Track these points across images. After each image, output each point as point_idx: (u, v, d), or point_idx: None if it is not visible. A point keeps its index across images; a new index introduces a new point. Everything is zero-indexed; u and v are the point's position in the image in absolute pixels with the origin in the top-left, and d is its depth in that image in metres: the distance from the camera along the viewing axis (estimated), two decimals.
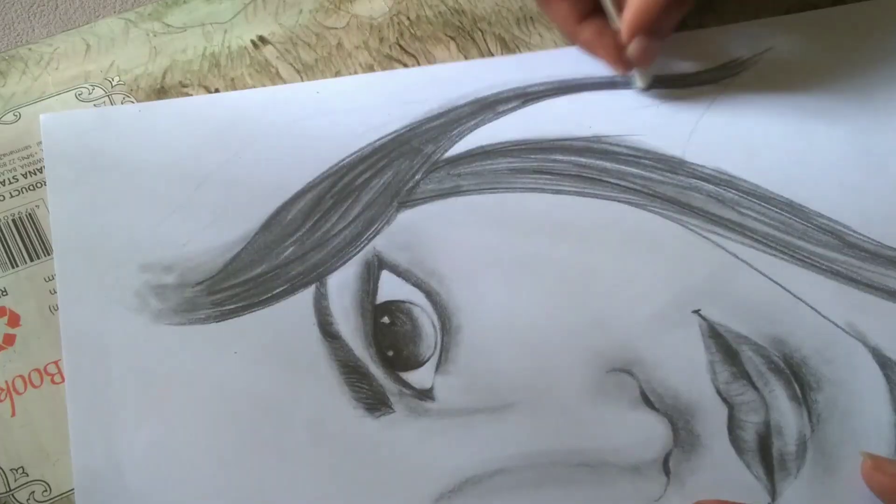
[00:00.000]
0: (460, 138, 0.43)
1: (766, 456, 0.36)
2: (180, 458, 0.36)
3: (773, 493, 0.35)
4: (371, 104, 0.44)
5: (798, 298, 0.39)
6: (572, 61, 0.45)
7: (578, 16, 0.43)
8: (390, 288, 0.40)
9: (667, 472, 0.36)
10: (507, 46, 0.46)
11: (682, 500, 0.35)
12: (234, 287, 0.40)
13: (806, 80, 0.44)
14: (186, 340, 0.38)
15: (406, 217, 0.41)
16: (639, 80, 0.44)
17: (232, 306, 0.39)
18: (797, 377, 0.37)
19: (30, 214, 0.41)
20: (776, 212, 0.41)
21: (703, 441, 0.36)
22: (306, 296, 0.39)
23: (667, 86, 0.44)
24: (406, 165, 0.42)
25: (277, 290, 0.40)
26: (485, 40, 0.46)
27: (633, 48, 0.42)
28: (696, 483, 0.35)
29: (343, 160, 0.42)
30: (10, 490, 0.36)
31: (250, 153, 0.43)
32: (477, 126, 0.43)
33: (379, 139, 0.43)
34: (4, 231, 0.41)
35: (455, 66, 0.45)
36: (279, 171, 0.42)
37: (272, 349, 0.38)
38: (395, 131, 0.43)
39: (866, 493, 0.35)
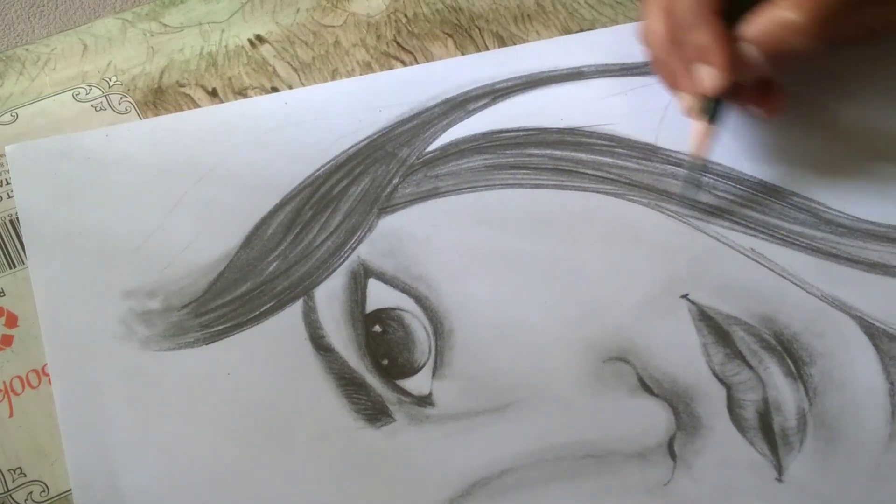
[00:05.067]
0: (434, 139, 0.43)
1: (769, 432, 0.37)
2: (182, 484, 0.36)
3: (780, 468, 0.36)
4: (341, 111, 0.44)
5: (782, 276, 0.40)
6: (537, 55, 0.45)
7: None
8: (379, 296, 0.39)
9: (673, 455, 0.36)
10: (505, 44, 0.46)
11: (690, 483, 0.36)
12: (221, 307, 0.39)
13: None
14: (177, 365, 0.37)
15: (387, 223, 0.41)
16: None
17: (220, 327, 0.38)
18: (790, 353, 0.38)
19: None
20: (752, 193, 0.42)
21: (705, 422, 0.37)
22: (295, 310, 0.39)
23: (632, 73, 0.45)
24: (382, 171, 0.42)
25: (265, 307, 0.39)
26: (482, 38, 0.46)
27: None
28: (702, 464, 0.36)
29: (318, 170, 0.42)
30: (8, 490, 0.36)
31: (223, 170, 0.42)
32: (449, 126, 0.43)
33: (352, 146, 0.43)
34: (2, 231, 0.41)
35: (422, 67, 0.45)
36: (254, 186, 0.41)
37: (266, 367, 0.38)
38: (367, 137, 0.43)
39: (870, 463, 0.36)
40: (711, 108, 0.40)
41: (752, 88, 0.41)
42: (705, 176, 0.42)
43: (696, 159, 0.41)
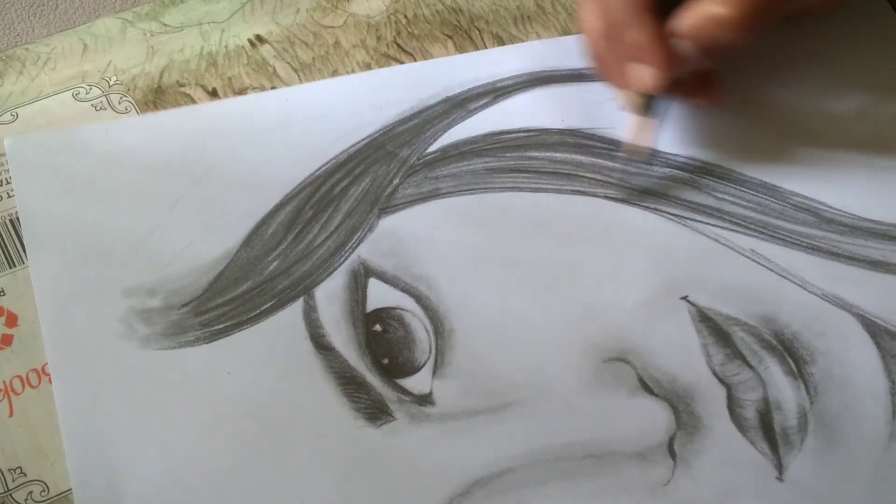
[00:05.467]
0: (434, 139, 0.43)
1: (769, 431, 0.37)
2: (182, 482, 0.35)
3: (780, 468, 0.36)
4: (342, 109, 0.43)
5: (782, 276, 0.40)
6: (539, 54, 0.45)
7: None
8: (379, 295, 0.39)
9: (673, 455, 0.36)
10: (504, 45, 0.46)
11: (690, 483, 0.36)
12: (221, 306, 0.39)
13: (767, 63, 0.45)
14: (177, 364, 0.37)
15: (388, 223, 0.41)
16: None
17: (220, 326, 0.38)
18: (790, 352, 0.38)
19: None
20: (752, 194, 0.42)
21: (705, 422, 0.37)
22: (295, 309, 0.39)
23: None
24: (383, 171, 0.42)
25: (265, 306, 0.39)
26: (482, 39, 0.46)
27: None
28: (702, 464, 0.36)
29: (319, 169, 0.42)
30: (9, 490, 0.36)
31: (224, 168, 0.42)
32: (450, 126, 0.43)
33: (353, 145, 0.43)
34: (2, 231, 0.40)
35: (423, 64, 0.45)
36: (255, 185, 0.41)
37: (266, 366, 0.38)
38: (368, 136, 0.43)
39: (871, 462, 0.36)
40: (649, 104, 0.40)
41: (689, 80, 0.41)
42: (648, 167, 0.42)
43: (635, 153, 0.41)
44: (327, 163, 0.42)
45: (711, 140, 0.43)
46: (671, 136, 0.43)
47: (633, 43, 0.39)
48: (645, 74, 0.39)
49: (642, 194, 0.42)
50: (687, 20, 0.38)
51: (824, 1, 0.45)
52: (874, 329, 0.39)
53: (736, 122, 0.44)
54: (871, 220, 0.41)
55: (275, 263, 0.40)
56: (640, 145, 0.41)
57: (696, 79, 0.41)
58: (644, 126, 0.41)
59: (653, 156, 0.42)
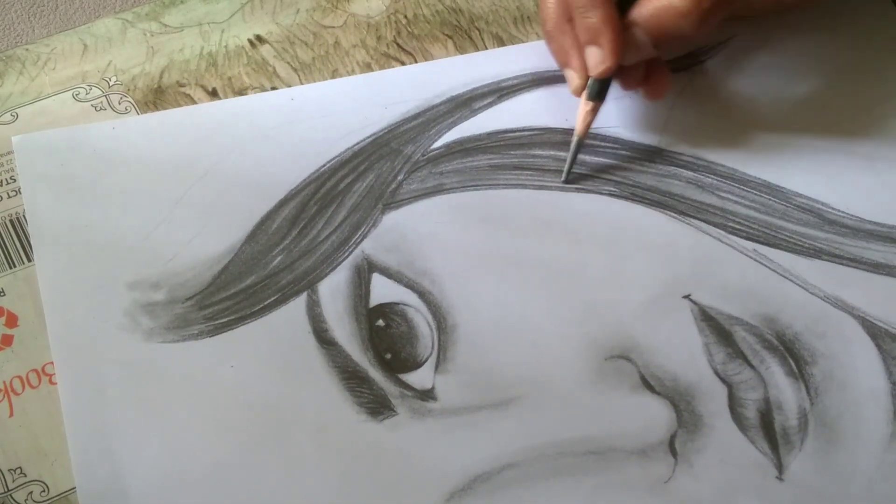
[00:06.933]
0: (439, 137, 0.43)
1: (770, 431, 0.37)
2: (185, 476, 0.36)
3: (780, 467, 0.36)
4: (347, 108, 0.44)
5: (784, 277, 0.40)
6: (543, 54, 0.45)
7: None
8: (382, 290, 0.39)
9: (674, 453, 0.36)
10: (504, 45, 0.46)
11: (691, 480, 0.36)
12: (225, 300, 0.39)
13: (771, 64, 0.45)
14: (181, 357, 0.38)
15: (392, 218, 0.41)
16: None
17: (224, 319, 0.39)
18: (791, 353, 0.38)
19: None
20: (755, 194, 0.42)
21: (706, 421, 0.37)
22: (299, 304, 0.39)
23: None
24: (387, 167, 0.42)
25: (269, 301, 0.39)
26: (482, 39, 0.46)
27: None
28: (703, 462, 0.36)
29: (323, 166, 0.42)
30: (9, 490, 0.36)
31: (229, 164, 0.42)
32: (454, 124, 0.43)
33: (358, 143, 0.43)
34: (2, 231, 0.41)
35: (428, 65, 0.45)
36: (260, 181, 0.42)
37: (269, 360, 0.38)
38: (373, 134, 0.43)
39: (871, 463, 0.36)
40: (598, 88, 0.41)
41: (637, 70, 0.42)
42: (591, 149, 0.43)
43: (581, 136, 0.42)
44: (332, 160, 0.42)
45: (715, 139, 0.43)
46: (674, 136, 0.43)
47: (590, 26, 0.40)
48: (598, 58, 0.40)
49: (646, 192, 0.42)
50: (644, 9, 0.40)
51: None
52: (875, 331, 0.39)
53: (740, 121, 0.44)
54: (874, 223, 0.41)
55: (279, 258, 0.40)
56: (584, 130, 0.42)
57: (644, 69, 0.43)
58: (591, 110, 0.42)
59: (592, 138, 0.43)
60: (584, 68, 0.41)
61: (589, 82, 0.41)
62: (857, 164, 0.43)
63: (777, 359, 0.38)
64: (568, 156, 0.42)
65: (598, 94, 0.41)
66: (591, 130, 0.43)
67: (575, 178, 0.42)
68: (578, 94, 0.42)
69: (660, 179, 0.42)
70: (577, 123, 0.42)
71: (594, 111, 0.42)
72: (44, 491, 0.36)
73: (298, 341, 0.38)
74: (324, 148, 0.43)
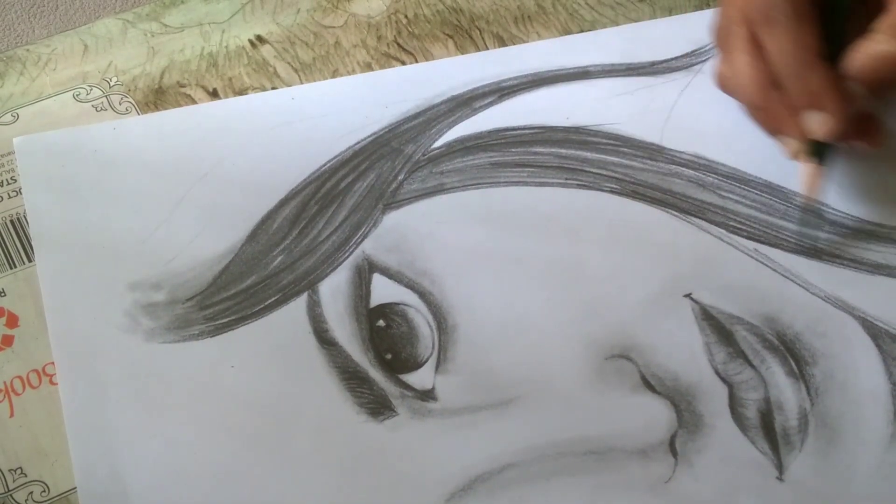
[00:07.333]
0: (439, 136, 0.43)
1: (770, 431, 0.37)
2: (185, 476, 0.36)
3: (780, 468, 0.36)
4: (347, 108, 0.44)
5: (785, 277, 0.40)
6: (544, 54, 0.45)
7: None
8: (383, 290, 0.39)
9: (674, 453, 0.36)
10: (505, 45, 0.46)
11: (691, 480, 0.36)
12: (226, 300, 0.39)
13: None
14: (182, 358, 0.38)
15: (392, 218, 0.41)
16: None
17: (225, 320, 0.39)
18: (792, 353, 0.38)
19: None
20: (756, 193, 0.42)
21: (706, 421, 0.37)
22: (299, 304, 0.39)
23: (638, 74, 0.45)
24: (388, 167, 0.42)
25: (270, 301, 0.39)
26: (483, 39, 0.46)
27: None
28: (704, 462, 0.36)
29: (324, 165, 0.42)
30: (9, 490, 0.36)
31: (229, 164, 0.42)
32: (455, 123, 0.43)
33: (358, 142, 0.43)
34: (2, 232, 0.41)
35: (428, 65, 0.45)
36: (260, 181, 0.42)
37: (269, 360, 0.38)
38: (373, 133, 0.43)
39: (871, 463, 0.36)
40: (823, 151, 0.39)
41: (852, 121, 0.39)
42: (822, 218, 0.41)
43: (810, 202, 0.40)
44: (332, 159, 0.42)
45: (717, 138, 0.43)
46: (675, 134, 0.43)
47: (807, 91, 0.38)
48: (822, 122, 0.38)
49: (647, 189, 0.42)
50: (857, 61, 0.37)
51: None
52: (875, 332, 0.39)
53: (741, 120, 0.43)
54: (874, 223, 0.41)
55: (279, 258, 0.40)
56: (814, 195, 0.40)
57: (858, 121, 0.40)
58: (816, 174, 0.40)
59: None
60: (802, 133, 0.39)
61: (812, 146, 0.39)
62: (857, 163, 0.43)
63: (778, 359, 0.38)
64: (799, 223, 0.41)
65: (823, 157, 0.39)
66: (592, 128, 0.43)
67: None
68: (799, 158, 0.40)
69: (661, 178, 0.42)
70: (804, 188, 0.40)
71: (820, 174, 0.40)
72: (44, 491, 0.36)
73: (299, 341, 0.38)
74: (324, 147, 0.43)
